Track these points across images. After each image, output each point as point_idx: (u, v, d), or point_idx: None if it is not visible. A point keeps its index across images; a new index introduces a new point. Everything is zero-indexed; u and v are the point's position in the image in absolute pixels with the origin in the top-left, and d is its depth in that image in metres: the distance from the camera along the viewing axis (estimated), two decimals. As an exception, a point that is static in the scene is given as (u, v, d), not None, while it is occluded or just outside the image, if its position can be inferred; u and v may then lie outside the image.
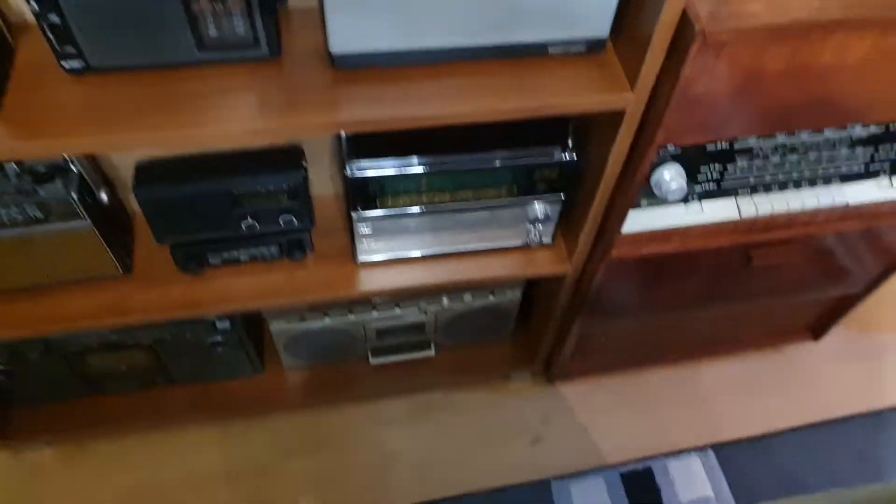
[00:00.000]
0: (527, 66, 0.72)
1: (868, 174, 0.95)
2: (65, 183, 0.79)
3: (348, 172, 0.82)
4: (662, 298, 1.07)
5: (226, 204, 0.86)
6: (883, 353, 1.44)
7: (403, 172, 0.82)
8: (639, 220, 0.92)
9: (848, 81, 0.72)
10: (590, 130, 0.84)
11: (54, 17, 0.64)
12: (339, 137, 0.84)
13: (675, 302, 1.09)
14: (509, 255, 0.99)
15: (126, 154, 0.90)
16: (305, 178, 0.87)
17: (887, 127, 0.90)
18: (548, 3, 0.66)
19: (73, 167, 0.81)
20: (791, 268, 1.06)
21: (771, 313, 1.27)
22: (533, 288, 1.19)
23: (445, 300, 1.13)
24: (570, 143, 0.84)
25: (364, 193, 0.85)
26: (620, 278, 1.00)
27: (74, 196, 0.80)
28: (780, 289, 1.12)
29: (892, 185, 0.97)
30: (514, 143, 0.84)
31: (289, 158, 0.88)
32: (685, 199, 0.93)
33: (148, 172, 0.85)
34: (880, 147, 0.92)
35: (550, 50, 0.72)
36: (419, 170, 0.82)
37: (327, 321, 1.12)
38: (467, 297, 1.13)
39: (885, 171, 0.96)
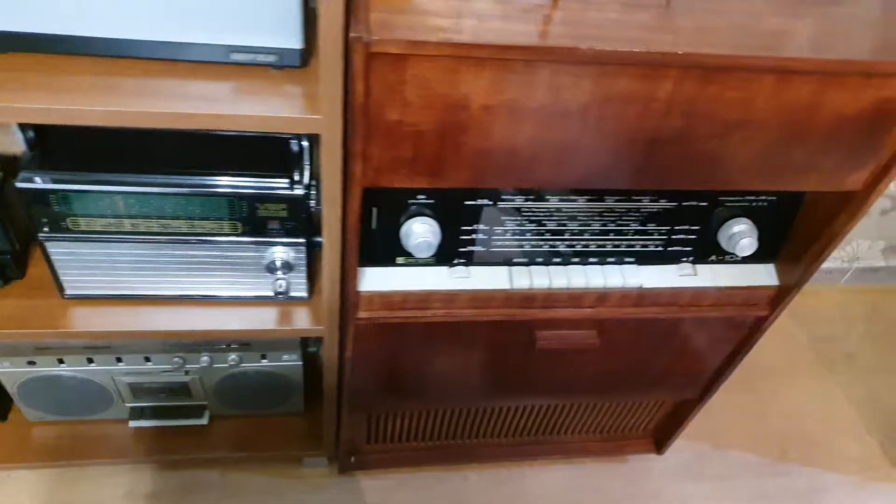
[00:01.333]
0: (207, 71, 0.61)
1: (667, 256, 0.84)
2: None
3: (20, 181, 0.68)
4: (444, 379, 0.93)
5: None
6: (734, 474, 1.28)
7: (83, 189, 0.69)
8: (392, 279, 0.79)
9: (574, 130, 0.60)
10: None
11: None
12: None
13: (460, 385, 0.95)
14: (259, 308, 0.85)
15: None
16: (-7, 189, 0.74)
17: (680, 203, 0.79)
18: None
19: None
20: (592, 358, 0.92)
21: (598, 414, 1.12)
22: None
23: (206, 358, 0.97)
24: (298, 173, 0.72)
25: (47, 210, 0.71)
26: (385, 348, 0.85)
27: None
28: (586, 383, 0.98)
29: (695, 272, 0.85)
30: (238, 169, 0.72)
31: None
32: (450, 262, 0.80)
33: None
34: (677, 227, 0.81)
35: (234, 57, 0.60)
36: (101, 187, 0.69)
37: (64, 368, 0.96)
38: (232, 357, 0.98)
39: (687, 256, 0.84)
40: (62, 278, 0.79)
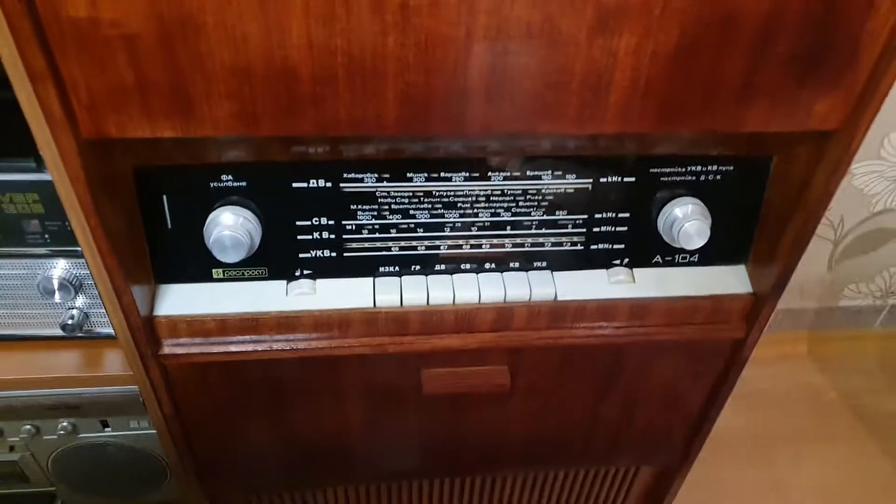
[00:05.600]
0: None
1: (591, 258, 0.61)
2: None
3: None
4: (316, 444, 0.69)
5: None
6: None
7: None
8: (206, 300, 0.58)
9: (370, 33, 0.40)
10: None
11: None
12: None
13: (342, 453, 0.71)
14: (61, 352, 0.65)
15: None
16: None
17: (597, 179, 0.58)
18: None
19: None
20: (511, 407, 0.68)
21: (554, 490, 0.86)
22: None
23: (28, 427, 0.76)
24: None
25: None
26: (215, 399, 0.63)
27: None
28: (512, 446, 0.72)
29: (632, 279, 0.62)
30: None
31: None
32: (291, 274, 0.59)
33: None
34: (598, 216, 0.59)
35: None
36: None
37: None
38: (63, 425, 0.76)
39: (619, 258, 0.62)
40: None
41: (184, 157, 0.51)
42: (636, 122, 0.47)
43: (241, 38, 0.40)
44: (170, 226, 0.55)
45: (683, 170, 0.58)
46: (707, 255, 0.63)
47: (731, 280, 0.63)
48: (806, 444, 1.15)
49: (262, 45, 0.40)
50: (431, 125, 0.45)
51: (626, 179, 0.58)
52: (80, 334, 0.63)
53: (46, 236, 0.56)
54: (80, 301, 0.61)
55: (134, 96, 0.42)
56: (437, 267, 0.60)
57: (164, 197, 0.54)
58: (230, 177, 0.54)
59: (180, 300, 0.58)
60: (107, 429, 0.78)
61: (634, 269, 0.62)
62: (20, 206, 0.54)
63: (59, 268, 0.59)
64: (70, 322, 0.61)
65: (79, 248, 0.57)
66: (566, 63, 0.43)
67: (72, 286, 0.59)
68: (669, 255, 0.62)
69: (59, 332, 0.63)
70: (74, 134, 0.43)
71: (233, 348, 0.59)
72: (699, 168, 0.58)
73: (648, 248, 0.62)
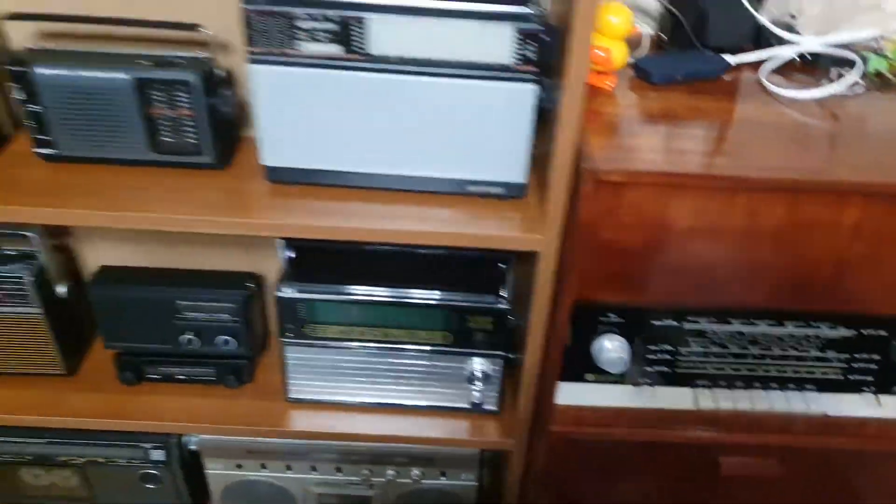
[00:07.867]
0: (445, 200, 0.75)
1: (848, 385, 0.85)
2: (24, 266, 0.86)
3: (278, 291, 0.83)
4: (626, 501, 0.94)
5: (169, 313, 0.89)
6: None
7: (331, 298, 0.83)
8: (583, 395, 0.86)
9: (771, 252, 0.68)
10: (524, 284, 0.83)
11: (34, 108, 0.75)
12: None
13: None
14: (453, 419, 0.93)
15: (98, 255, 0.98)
16: (248, 301, 0.90)
17: (859, 330, 0.83)
18: (460, 142, 0.71)
19: (38, 255, 0.87)
20: (776, 489, 0.91)
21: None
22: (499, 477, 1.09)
23: (391, 472, 1.05)
24: (503, 290, 0.83)
25: (293, 317, 0.85)
26: (570, 465, 0.90)
27: (29, 279, 0.85)
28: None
29: (878, 402, 0.86)
30: (453, 286, 0.84)
31: (237, 280, 0.92)
32: (636, 382, 0.86)
33: (107, 274, 0.91)
34: (856, 355, 0.84)
35: (469, 189, 0.74)
36: (345, 297, 0.83)
37: (265, 473, 1.06)
38: (415, 472, 1.05)
39: (868, 386, 0.86)
40: (290, 382, 0.91)
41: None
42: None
43: (687, 253, 0.68)
44: (569, 343, 0.84)
45: (923, 328, 0.82)
46: (938, 389, 0.86)
47: (959, 409, 0.86)
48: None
49: (698, 257, 0.69)
50: (786, 302, 0.72)
51: (879, 332, 0.83)
52: (471, 409, 0.92)
53: (485, 344, 0.86)
54: (482, 386, 0.90)
55: (611, 279, 0.71)
56: (737, 383, 0.86)
57: (570, 325, 0.83)
58: (614, 315, 0.82)
59: (569, 394, 0.85)
60: (442, 477, 1.05)
61: (880, 395, 0.86)
62: (479, 323, 0.84)
63: (477, 362, 0.88)
64: (476, 401, 0.89)
65: (494, 352, 0.87)
66: None
67: (486, 377, 0.88)
68: (908, 387, 0.86)
69: (455, 405, 0.92)
70: (571, 297, 0.72)
71: (597, 430, 0.85)
72: (935, 327, 0.82)
73: (891, 380, 0.85)
